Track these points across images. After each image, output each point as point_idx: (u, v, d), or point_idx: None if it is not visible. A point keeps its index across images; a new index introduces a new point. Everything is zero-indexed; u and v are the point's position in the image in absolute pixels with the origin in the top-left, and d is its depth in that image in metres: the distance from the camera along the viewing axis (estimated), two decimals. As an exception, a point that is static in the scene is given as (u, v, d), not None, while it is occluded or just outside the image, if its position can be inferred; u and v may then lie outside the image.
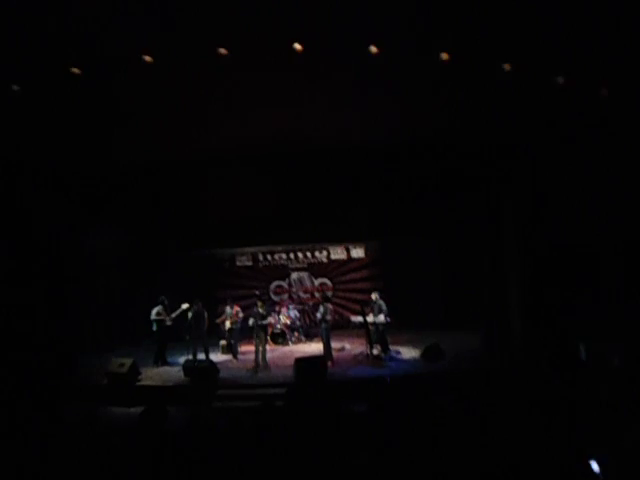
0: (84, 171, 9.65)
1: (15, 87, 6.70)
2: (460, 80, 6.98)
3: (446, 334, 11.17)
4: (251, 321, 10.06)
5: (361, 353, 10.58)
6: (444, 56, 6.42)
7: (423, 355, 9.98)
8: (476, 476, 3.32)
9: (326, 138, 9.04)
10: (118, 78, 6.75)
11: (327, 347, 10.10)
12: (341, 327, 12.80)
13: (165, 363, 10.53)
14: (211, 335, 11.06)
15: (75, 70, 6.32)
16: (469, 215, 10.51)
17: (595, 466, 2.89)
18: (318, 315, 10.35)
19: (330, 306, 10.49)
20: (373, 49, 6.25)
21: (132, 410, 7.39)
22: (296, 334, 12.63)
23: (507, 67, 6.66)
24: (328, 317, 10.12)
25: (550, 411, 4.28)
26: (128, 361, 9.20)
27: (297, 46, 6.15)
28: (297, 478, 3.86)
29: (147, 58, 6.56)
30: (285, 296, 14.46)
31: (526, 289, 9.38)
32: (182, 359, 10.12)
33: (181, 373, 9.34)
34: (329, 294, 13.62)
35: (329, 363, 9.57)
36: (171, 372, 9.85)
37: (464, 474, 3.36)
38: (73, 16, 5.64)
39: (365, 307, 10.70)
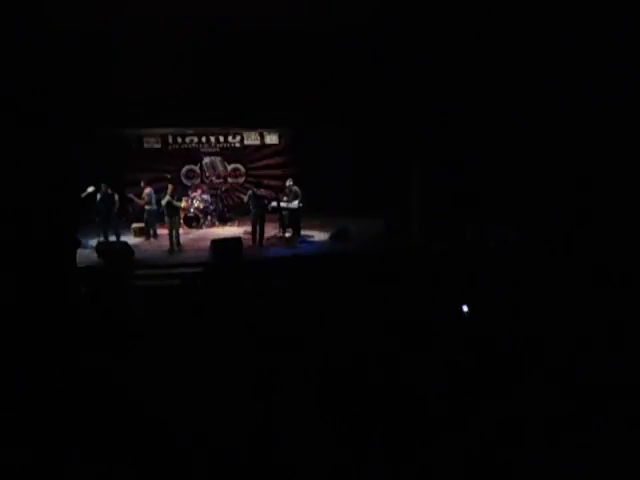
0: None
1: None
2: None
3: (354, 220, 11.93)
4: (163, 202, 10.04)
5: (274, 236, 11.15)
6: None
7: (332, 237, 10.83)
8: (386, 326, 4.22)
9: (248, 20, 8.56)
10: None
11: (255, 231, 10.59)
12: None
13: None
14: (122, 218, 10.90)
15: None
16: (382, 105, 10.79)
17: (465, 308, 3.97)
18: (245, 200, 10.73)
19: (262, 191, 10.76)
20: None
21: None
22: (209, 218, 12.81)
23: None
24: (257, 202, 10.45)
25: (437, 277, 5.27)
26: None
27: None
28: (218, 350, 4.40)
29: None
30: (197, 180, 14.33)
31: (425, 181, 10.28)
32: (93, 242, 10.02)
33: (94, 254, 9.31)
34: (240, 180, 14.06)
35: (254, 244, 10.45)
36: (83, 254, 9.74)
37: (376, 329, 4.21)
38: None
39: (279, 193, 11.16)
